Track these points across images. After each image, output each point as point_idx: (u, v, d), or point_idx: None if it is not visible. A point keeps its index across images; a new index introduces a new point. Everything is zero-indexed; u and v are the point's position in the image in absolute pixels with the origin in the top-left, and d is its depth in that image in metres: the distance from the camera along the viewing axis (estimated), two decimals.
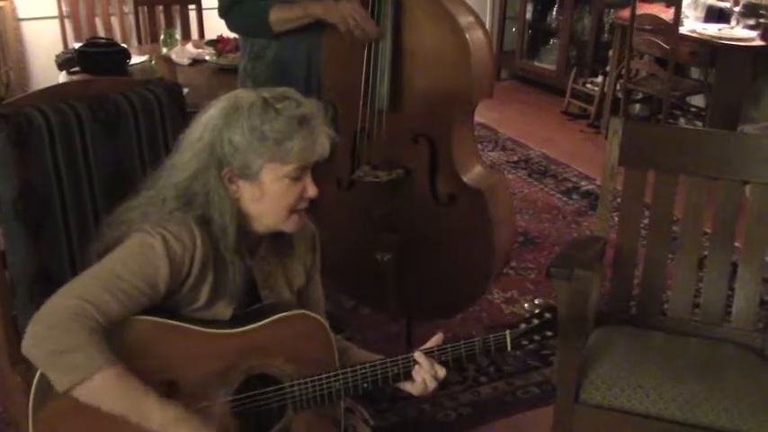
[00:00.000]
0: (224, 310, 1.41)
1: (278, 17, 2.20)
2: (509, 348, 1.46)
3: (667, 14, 4.32)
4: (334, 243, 2.45)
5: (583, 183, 4.21)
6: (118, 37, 4.76)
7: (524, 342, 1.47)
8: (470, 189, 2.24)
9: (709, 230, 2.05)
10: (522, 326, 1.46)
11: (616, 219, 2.32)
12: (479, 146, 4.73)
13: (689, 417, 1.73)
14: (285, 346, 1.40)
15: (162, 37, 3.67)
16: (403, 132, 2.23)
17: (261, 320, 1.39)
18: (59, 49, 4.27)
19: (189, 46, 3.63)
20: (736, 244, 2.02)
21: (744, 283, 2.00)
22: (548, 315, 1.47)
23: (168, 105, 1.73)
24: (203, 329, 1.36)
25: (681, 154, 2.04)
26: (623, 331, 2.01)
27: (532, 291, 3.07)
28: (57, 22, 4.67)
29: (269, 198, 1.37)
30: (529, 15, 5.93)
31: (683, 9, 4.36)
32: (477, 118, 5.13)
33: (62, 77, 3.28)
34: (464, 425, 2.33)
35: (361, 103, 2.20)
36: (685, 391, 1.75)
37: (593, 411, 1.79)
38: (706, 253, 2.06)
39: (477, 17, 2.22)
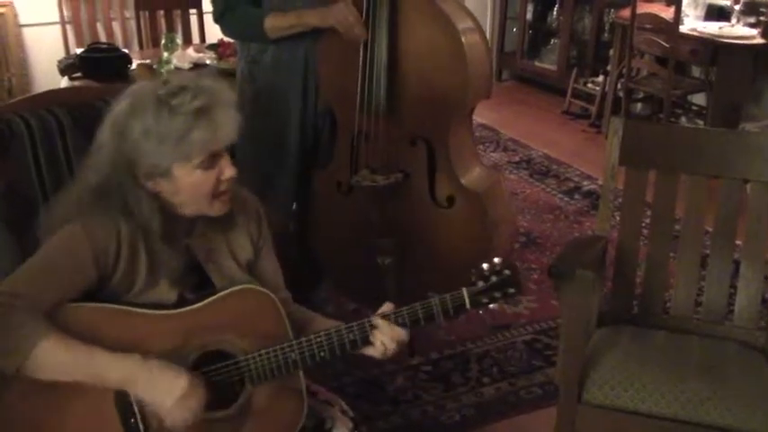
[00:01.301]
0: (167, 292, 1.41)
1: (273, 25, 2.21)
2: (468, 306, 1.44)
3: (667, 13, 4.32)
4: (335, 246, 2.49)
5: (585, 183, 4.21)
6: (120, 42, 4.77)
7: (484, 300, 1.44)
8: (469, 191, 2.24)
9: (710, 229, 2.05)
10: (480, 283, 1.44)
11: (618, 218, 2.32)
12: (481, 147, 4.75)
13: (692, 415, 1.73)
14: (235, 321, 1.40)
15: (163, 41, 3.67)
16: (400, 136, 2.24)
17: (205, 299, 1.40)
18: (61, 54, 4.29)
19: (190, 50, 3.63)
20: (738, 242, 2.02)
21: (746, 281, 2.00)
22: (507, 272, 1.45)
23: None
24: (147, 311, 1.36)
25: (681, 153, 2.04)
26: (625, 331, 2.01)
27: (535, 291, 3.07)
28: (58, 27, 4.68)
29: (186, 189, 1.37)
30: (529, 16, 5.93)
31: (683, 8, 4.35)
32: (479, 119, 5.19)
33: (63, 83, 3.29)
34: (468, 426, 2.33)
35: (357, 106, 2.20)
36: (688, 389, 1.75)
37: (596, 411, 1.79)
38: (708, 251, 2.06)
39: (474, 19, 2.23)
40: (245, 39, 2.37)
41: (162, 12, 4.41)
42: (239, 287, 1.43)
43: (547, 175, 4.35)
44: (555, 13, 5.72)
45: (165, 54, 3.54)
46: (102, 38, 4.76)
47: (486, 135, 4.98)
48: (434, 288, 2.39)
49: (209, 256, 1.48)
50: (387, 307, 1.46)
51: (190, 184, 1.36)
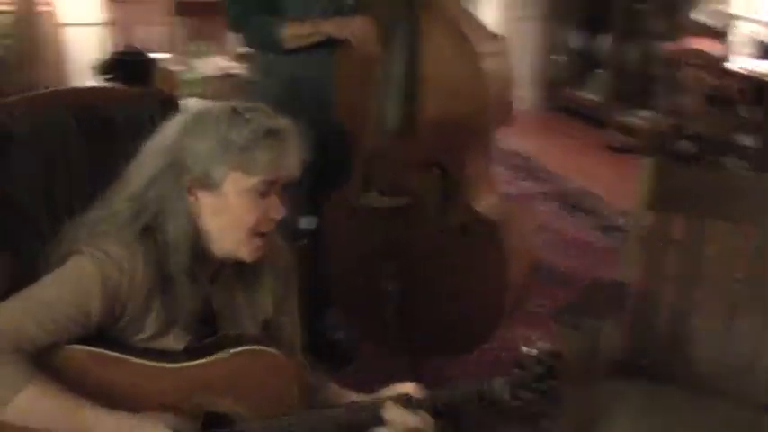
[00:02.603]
0: (176, 341, 1.29)
1: (289, 33, 2.14)
2: (504, 398, 1.28)
3: (717, 50, 4.16)
4: (343, 270, 2.38)
5: (620, 220, 4.03)
6: (159, 47, 4.78)
7: (522, 394, 1.27)
8: (484, 219, 2.12)
9: (742, 276, 1.89)
10: (522, 373, 1.27)
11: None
12: (512, 175, 4.62)
13: None
14: (236, 384, 1.28)
15: (192, 48, 3.66)
16: (414, 158, 2.13)
17: (212, 355, 1.27)
18: (99, 55, 4.30)
19: (219, 59, 3.60)
20: None
21: None
22: (551, 362, 1.29)
23: (160, 118, 1.65)
24: (146, 362, 1.24)
25: (713, 199, 1.90)
26: (640, 385, 1.86)
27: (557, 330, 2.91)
28: (99, 29, 4.71)
29: (230, 212, 1.25)
30: (575, 44, 5.80)
31: (733, 45, 4.19)
32: (513, 146, 5.05)
33: (91, 84, 3.28)
34: None
35: (371, 125, 2.10)
36: None
37: None
38: (738, 301, 1.91)
39: (499, 45, 2.12)
40: (261, 47, 2.29)
41: (199, 18, 4.39)
42: (251, 347, 1.30)
43: (580, 209, 4.19)
44: (602, 43, 5.57)
45: (194, 61, 3.54)
46: (143, 41, 4.77)
47: (519, 163, 4.85)
48: (442, 322, 2.30)
49: (228, 310, 1.37)
50: (408, 387, 1.31)
51: (237, 206, 1.24)
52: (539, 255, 3.56)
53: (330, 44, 2.14)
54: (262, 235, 1.28)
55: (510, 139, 5.24)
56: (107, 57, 3.41)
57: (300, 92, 2.23)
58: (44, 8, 4.58)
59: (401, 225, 2.20)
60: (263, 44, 2.26)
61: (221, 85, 3.30)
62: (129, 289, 1.23)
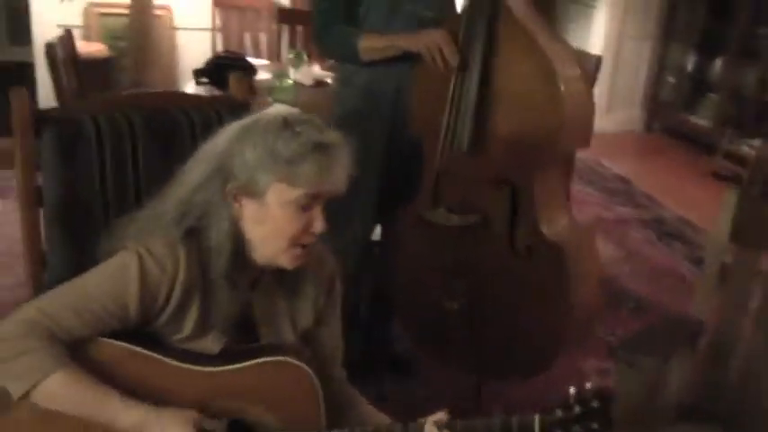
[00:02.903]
0: (213, 343, 1.31)
1: (366, 45, 2.15)
2: None
3: None
4: (408, 284, 2.37)
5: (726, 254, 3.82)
6: (264, 53, 4.91)
7: None
8: (550, 242, 2.05)
9: None
10: (559, 412, 1.20)
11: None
12: (610, 198, 4.46)
13: None
14: (266, 393, 1.29)
15: (289, 56, 3.73)
16: (484, 176, 2.08)
17: (245, 361, 1.29)
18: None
19: (315, 67, 3.65)
20: None
21: None
22: (595, 403, 1.20)
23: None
24: (177, 363, 1.27)
25: None
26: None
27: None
28: (209, 33, 4.89)
29: (272, 222, 1.26)
30: (689, 67, 5.55)
31: None
32: (614, 168, 4.89)
33: (189, 87, 3.40)
34: None
35: (441, 140, 2.08)
36: None
37: None
38: None
39: (580, 64, 2.05)
40: (340, 59, 2.32)
41: (302, 27, 4.48)
42: (277, 358, 1.31)
43: (677, 238, 4.00)
44: (717, 66, 5.31)
45: (291, 69, 3.59)
46: (249, 48, 4.92)
47: (619, 187, 4.68)
48: (505, 344, 2.25)
49: (267, 317, 1.39)
50: (440, 415, 1.28)
51: (279, 216, 1.26)
52: (625, 283, 3.44)
53: (409, 57, 2.13)
54: (303, 246, 1.29)
55: (612, 161, 5.08)
56: (207, 61, 3.50)
57: (377, 103, 2.24)
58: (160, 12, 4.80)
59: (468, 243, 2.16)
60: (340, 55, 2.29)
61: (312, 94, 3.34)
62: (170, 288, 1.26)
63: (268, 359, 1.30)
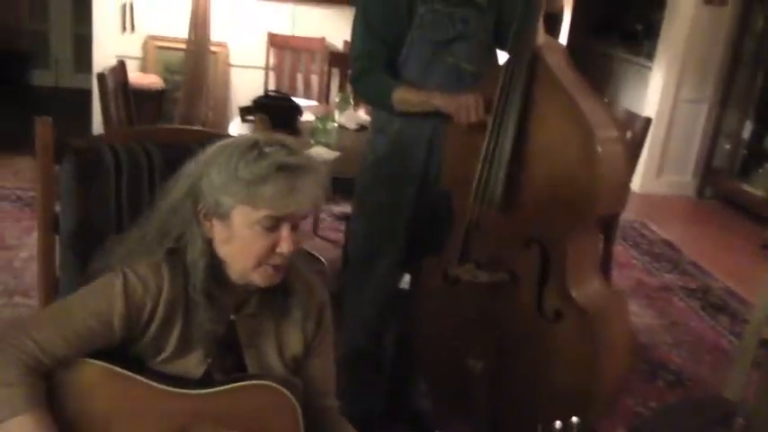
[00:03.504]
0: (196, 365, 1.31)
1: (400, 98, 2.13)
2: None
3: None
4: (432, 342, 2.31)
5: (765, 330, 3.66)
6: (314, 95, 4.96)
7: None
8: (580, 307, 1.98)
9: None
10: None
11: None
12: (655, 265, 4.33)
13: None
14: (246, 418, 1.27)
15: (336, 99, 3.74)
16: (514, 234, 2.03)
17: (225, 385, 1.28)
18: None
19: (360, 111, 3.65)
20: None
21: None
22: None
23: None
24: (156, 385, 1.26)
25: None
26: None
27: None
28: (263, 72, 4.97)
29: (237, 242, 1.28)
30: (746, 134, 5.41)
31: None
32: (662, 233, 4.76)
33: (235, 124, 3.43)
34: None
35: (473, 195, 2.03)
36: None
37: None
38: None
39: (618, 127, 1.99)
40: (374, 105, 2.32)
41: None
42: (257, 381, 1.31)
43: (722, 311, 3.85)
44: None
45: (337, 112, 3.60)
46: (300, 88, 4.98)
47: (666, 253, 4.54)
48: (527, 410, 2.16)
49: (253, 339, 1.38)
50: None
51: (243, 237, 1.27)
52: (664, 353, 3.31)
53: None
54: (272, 266, 1.29)
55: (659, 225, 4.95)
56: (254, 99, 3.54)
57: (409, 153, 2.21)
58: (216, 48, 4.89)
59: (495, 301, 2.09)
60: (374, 102, 2.29)
61: (355, 138, 3.33)
62: (153, 306, 1.27)
63: (249, 383, 1.30)
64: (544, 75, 1.97)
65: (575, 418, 1.25)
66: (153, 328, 1.28)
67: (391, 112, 2.17)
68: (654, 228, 4.93)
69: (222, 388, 1.29)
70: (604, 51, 6.57)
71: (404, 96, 2.12)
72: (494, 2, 2.18)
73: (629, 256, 4.43)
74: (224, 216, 1.27)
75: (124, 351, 1.29)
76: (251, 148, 1.26)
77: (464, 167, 2.07)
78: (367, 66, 2.18)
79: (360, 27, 2.18)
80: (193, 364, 1.31)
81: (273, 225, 1.26)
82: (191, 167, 1.32)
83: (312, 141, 3.15)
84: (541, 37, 1.98)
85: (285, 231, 1.27)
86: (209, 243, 1.30)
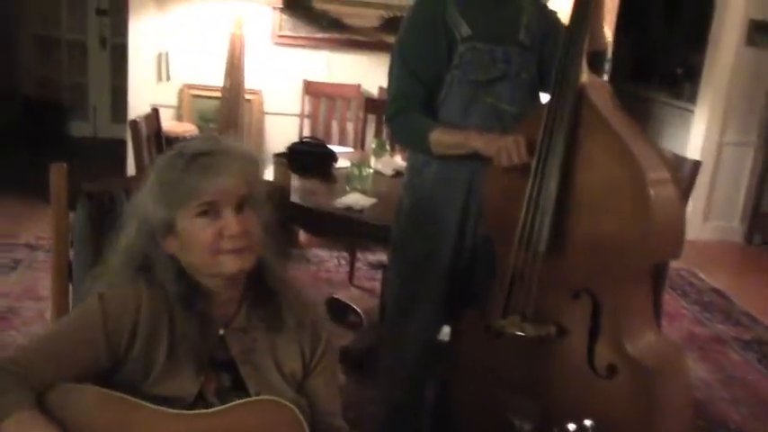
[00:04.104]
0: (188, 384, 1.27)
1: (437, 139, 2.03)
2: None
3: None
4: (472, 400, 2.17)
5: None
6: (350, 141, 4.91)
7: None
8: (635, 363, 1.83)
9: None
10: None
11: None
12: (707, 315, 4.13)
13: None
14: None
15: (372, 145, 3.68)
16: (562, 284, 1.90)
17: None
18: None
19: (397, 158, 3.57)
20: None
21: None
22: None
23: None
24: (155, 407, 1.21)
25: None
26: None
27: None
28: (297, 119, 4.94)
29: (188, 243, 1.30)
30: None
31: None
32: (711, 281, 4.56)
33: (269, 171, 3.37)
34: None
35: (516, 242, 1.91)
36: None
37: None
38: None
39: (671, 170, 1.87)
40: (410, 147, 2.22)
41: None
42: (260, 398, 1.28)
43: None
44: None
45: (372, 159, 3.53)
46: (335, 135, 4.94)
47: (716, 302, 4.34)
48: None
49: (248, 356, 1.34)
50: None
51: (191, 236, 1.29)
52: (722, 409, 3.11)
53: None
54: (228, 252, 1.29)
55: (708, 273, 4.76)
56: (289, 146, 3.48)
57: (448, 197, 2.11)
58: (250, 96, 4.88)
59: (542, 357, 1.96)
60: (410, 143, 2.19)
61: (391, 184, 3.24)
62: (134, 320, 1.28)
63: (251, 399, 1.28)
64: (589, 114, 1.87)
65: (588, 421, 1.28)
66: (138, 345, 1.27)
67: (428, 154, 2.07)
68: (702, 275, 4.74)
69: (223, 407, 1.26)
70: (645, 95, 6.45)
71: (441, 138, 2.02)
72: (537, 40, 2.09)
73: (678, 305, 4.24)
74: (172, 229, 1.29)
75: (114, 379, 1.27)
76: (170, 157, 1.31)
77: (507, 212, 1.95)
78: (404, 106, 2.09)
79: (397, 67, 2.11)
80: (186, 383, 1.28)
81: (211, 212, 1.28)
82: (135, 201, 1.35)
83: (348, 188, 3.07)
84: (586, 75, 1.88)
85: (227, 214, 1.28)
86: (173, 259, 1.32)
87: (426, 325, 2.22)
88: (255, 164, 1.35)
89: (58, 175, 1.50)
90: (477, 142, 1.98)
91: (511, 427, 2.00)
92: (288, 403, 1.27)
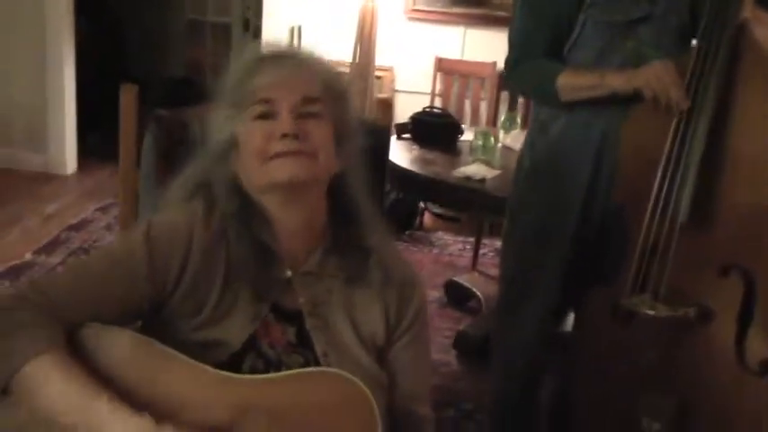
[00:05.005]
0: (240, 328, 1.11)
1: (567, 81, 1.77)
2: None
3: None
4: (594, 391, 1.90)
5: None
6: (482, 122, 4.70)
7: None
8: None
9: None
10: None
11: None
12: None
13: None
14: (306, 414, 1.02)
15: (502, 119, 3.47)
16: (706, 258, 1.61)
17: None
18: None
19: (524, 133, 3.34)
20: None
21: None
22: None
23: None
24: (193, 362, 1.03)
25: None
26: None
27: None
28: (428, 97, 4.78)
29: (243, 152, 1.17)
30: None
31: None
32: None
33: (391, 142, 3.22)
34: None
35: (649, 210, 1.63)
36: None
37: None
38: None
39: None
40: (534, 97, 1.99)
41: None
42: (326, 369, 1.09)
43: None
44: None
45: (502, 133, 3.33)
46: (467, 114, 4.74)
47: None
48: None
49: (317, 308, 1.16)
50: None
51: (245, 142, 1.16)
52: None
53: (621, 101, 1.73)
54: (279, 155, 1.13)
55: None
56: (412, 115, 3.32)
57: (575, 158, 1.86)
58: (381, 73, 4.77)
59: (678, 344, 1.68)
60: (535, 92, 1.95)
61: (515, 156, 3.02)
62: (186, 251, 1.12)
63: (315, 370, 1.10)
64: (751, 55, 1.56)
65: None
66: (187, 280, 1.11)
67: (556, 104, 1.82)
68: None
69: (279, 374, 1.08)
70: None
71: (572, 80, 1.77)
72: None
73: None
74: (235, 141, 1.17)
75: (157, 319, 1.12)
76: (241, 61, 1.21)
77: (644, 173, 1.68)
78: (527, 52, 1.85)
79: (521, 9, 1.87)
80: (236, 327, 1.11)
81: (268, 111, 1.14)
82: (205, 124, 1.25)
83: (471, 159, 2.88)
84: (749, 8, 1.57)
85: (284, 113, 1.14)
86: (234, 175, 1.18)
87: (544, 311, 1.98)
88: (329, 69, 1.21)
89: (128, 95, 1.43)
90: (615, 80, 1.71)
91: (638, 428, 1.73)
92: (355, 380, 1.04)
